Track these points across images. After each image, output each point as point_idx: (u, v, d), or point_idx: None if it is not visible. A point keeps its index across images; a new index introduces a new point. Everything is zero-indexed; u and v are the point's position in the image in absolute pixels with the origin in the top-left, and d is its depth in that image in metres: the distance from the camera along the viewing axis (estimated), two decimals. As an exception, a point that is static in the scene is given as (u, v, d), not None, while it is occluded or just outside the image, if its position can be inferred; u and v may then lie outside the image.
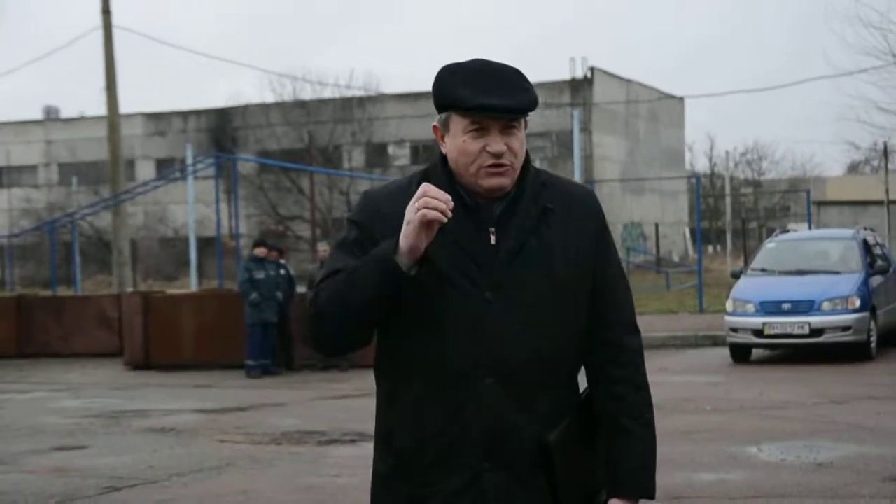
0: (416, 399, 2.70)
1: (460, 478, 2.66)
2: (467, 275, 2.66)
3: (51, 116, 59.69)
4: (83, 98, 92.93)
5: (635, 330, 2.84)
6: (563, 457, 2.68)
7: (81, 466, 9.56)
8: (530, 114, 2.70)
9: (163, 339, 17.91)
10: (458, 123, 2.69)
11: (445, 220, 2.54)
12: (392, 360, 2.74)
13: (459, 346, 2.65)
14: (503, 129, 2.66)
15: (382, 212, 2.72)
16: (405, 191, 2.70)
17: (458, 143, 2.69)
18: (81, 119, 57.47)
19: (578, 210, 2.77)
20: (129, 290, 24.29)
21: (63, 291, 31.37)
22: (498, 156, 2.65)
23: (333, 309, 2.65)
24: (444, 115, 2.72)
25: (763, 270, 16.87)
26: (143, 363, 17.92)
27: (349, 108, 49.73)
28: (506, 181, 2.69)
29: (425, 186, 2.58)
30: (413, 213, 2.55)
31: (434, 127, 2.77)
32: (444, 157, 2.76)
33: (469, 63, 2.71)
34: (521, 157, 2.72)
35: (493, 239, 2.69)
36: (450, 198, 2.56)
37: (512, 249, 2.68)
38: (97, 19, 27.98)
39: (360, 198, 2.84)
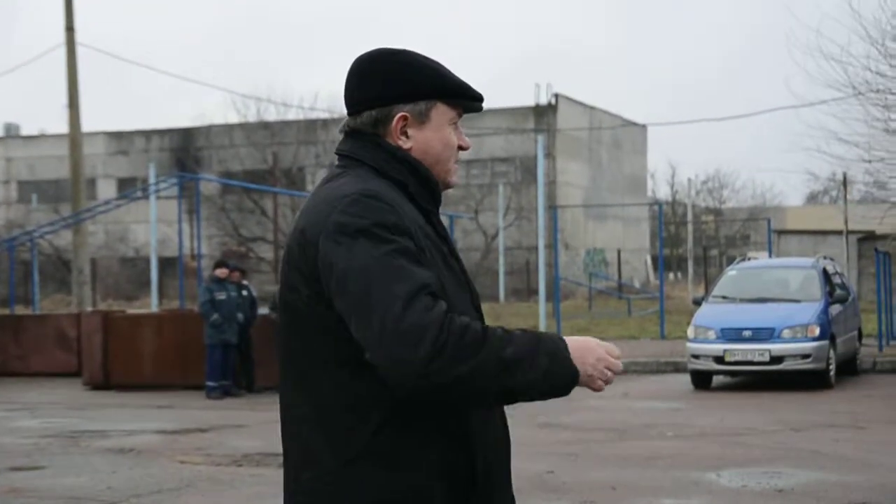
0: (481, 419, 2.47)
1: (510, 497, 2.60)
2: (470, 293, 2.53)
3: (11, 134, 59.18)
4: (44, 116, 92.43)
5: None
6: None
7: (39, 487, 9.44)
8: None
9: (122, 359, 17.76)
10: (444, 114, 2.52)
11: None
12: None
13: None
14: None
15: (413, 222, 2.42)
16: (399, 196, 2.46)
17: (443, 135, 2.52)
18: (42, 137, 57.03)
19: None
20: (89, 309, 24.06)
21: (21, 310, 31.02)
22: (464, 150, 2.58)
23: (481, 369, 2.25)
24: (424, 104, 2.50)
25: (724, 298, 16.99)
26: (103, 383, 17.75)
27: (313, 130, 49.68)
28: None
29: (612, 348, 2.40)
30: (602, 373, 2.36)
31: (402, 116, 2.49)
32: (393, 155, 2.50)
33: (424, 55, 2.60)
34: None
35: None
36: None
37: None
38: (61, 37, 27.88)
39: (376, 200, 2.37)
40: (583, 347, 2.36)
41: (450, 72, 2.54)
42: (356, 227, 2.31)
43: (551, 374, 2.30)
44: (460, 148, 2.56)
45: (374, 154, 2.49)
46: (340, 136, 2.60)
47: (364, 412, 2.36)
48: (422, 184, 2.51)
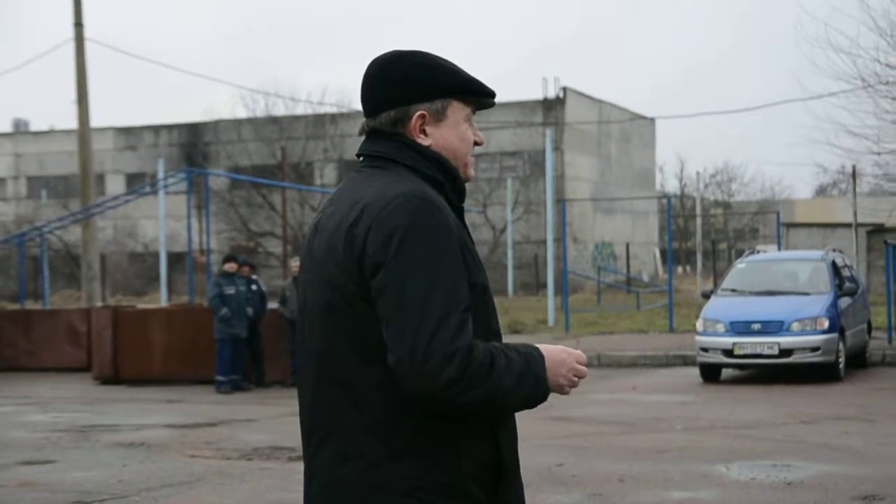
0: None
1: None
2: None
3: (20, 129, 59.30)
4: (53, 111, 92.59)
5: None
6: None
7: (50, 481, 9.48)
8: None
9: (132, 354, 17.80)
10: (460, 111, 2.62)
11: None
12: None
13: None
14: None
15: (455, 221, 2.50)
16: (437, 195, 2.54)
17: (460, 131, 2.62)
18: (51, 132, 57.16)
19: None
20: (99, 304, 24.12)
21: (31, 305, 31.10)
22: (478, 146, 2.68)
23: (484, 399, 2.41)
24: (441, 102, 2.59)
25: (733, 291, 16.97)
26: (112, 378, 17.80)
27: (321, 125, 49.70)
28: None
29: (580, 356, 2.59)
30: (570, 381, 2.57)
31: (420, 115, 2.57)
32: (423, 154, 2.58)
33: None
34: None
35: None
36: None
37: None
38: (69, 32, 27.90)
39: (426, 201, 2.44)
40: (556, 361, 2.54)
41: (462, 70, 2.62)
42: (407, 227, 2.40)
43: (532, 397, 2.51)
44: (475, 143, 2.66)
45: (406, 153, 2.58)
46: (362, 138, 2.67)
47: (407, 407, 2.43)
48: (450, 181, 2.60)
